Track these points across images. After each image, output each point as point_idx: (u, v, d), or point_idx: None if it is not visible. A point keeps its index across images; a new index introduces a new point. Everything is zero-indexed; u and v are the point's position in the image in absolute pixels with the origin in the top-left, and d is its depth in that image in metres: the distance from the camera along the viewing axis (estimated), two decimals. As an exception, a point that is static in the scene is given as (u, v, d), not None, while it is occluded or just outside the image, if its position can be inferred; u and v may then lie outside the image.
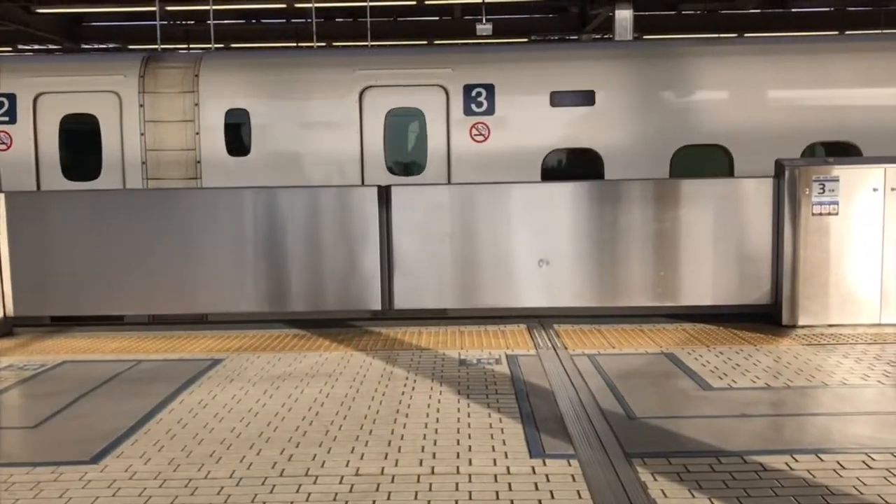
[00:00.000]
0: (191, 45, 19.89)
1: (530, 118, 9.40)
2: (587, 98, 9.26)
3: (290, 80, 9.72)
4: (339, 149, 9.36)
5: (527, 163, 9.16)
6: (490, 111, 9.26)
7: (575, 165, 9.48)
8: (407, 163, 9.59)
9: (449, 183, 9.03)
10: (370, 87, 9.37)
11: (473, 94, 9.27)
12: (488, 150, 9.27)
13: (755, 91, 9.43)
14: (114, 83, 9.49)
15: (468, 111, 9.29)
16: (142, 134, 9.38)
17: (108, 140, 9.44)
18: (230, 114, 9.45)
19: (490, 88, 9.26)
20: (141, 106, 9.40)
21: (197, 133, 9.36)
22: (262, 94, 9.57)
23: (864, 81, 9.43)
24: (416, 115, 9.44)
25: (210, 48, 14.75)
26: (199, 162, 9.33)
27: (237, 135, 9.45)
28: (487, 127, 9.23)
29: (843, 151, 9.11)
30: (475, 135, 9.23)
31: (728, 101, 9.47)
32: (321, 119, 9.54)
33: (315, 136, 9.45)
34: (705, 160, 9.31)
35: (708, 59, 9.74)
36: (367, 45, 15.70)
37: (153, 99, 9.40)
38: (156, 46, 14.14)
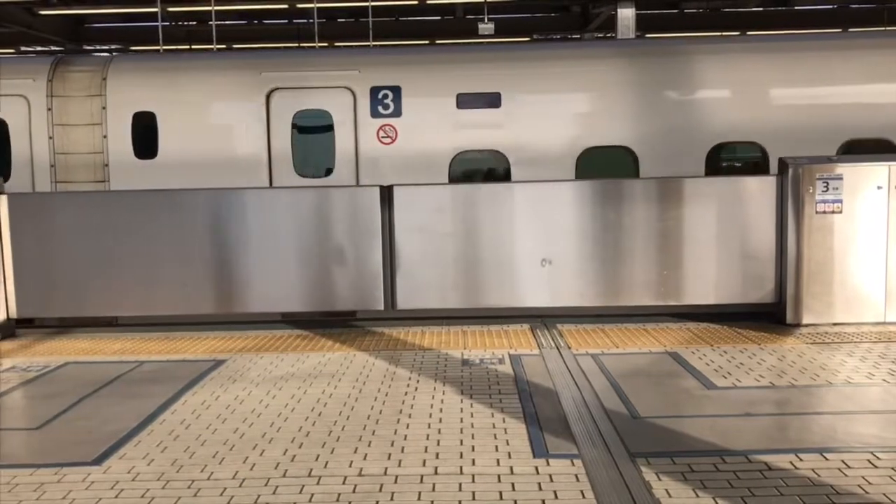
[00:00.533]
0: (193, 46, 19.91)
1: (437, 120, 9.47)
2: (493, 100, 9.32)
3: (196, 83, 9.77)
4: (247, 151, 9.42)
5: (434, 164, 9.23)
6: (397, 113, 9.32)
7: (482, 167, 9.55)
8: (315, 164, 9.61)
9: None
10: (277, 89, 9.42)
11: (380, 96, 9.33)
12: (396, 151, 9.34)
13: (659, 92, 9.47)
14: (22, 87, 9.56)
15: (375, 113, 9.34)
16: (50, 137, 9.46)
17: (16, 143, 9.50)
18: (137, 117, 9.51)
19: (396, 90, 9.33)
20: (49, 109, 9.48)
21: (105, 136, 9.44)
22: (168, 98, 9.61)
23: (770, 82, 9.44)
24: (323, 116, 9.48)
25: (212, 49, 14.76)
26: (106, 165, 9.42)
27: (144, 138, 9.49)
28: (394, 129, 9.29)
29: (749, 151, 9.20)
30: (382, 136, 9.29)
31: (633, 103, 9.48)
32: (228, 121, 9.58)
33: (222, 138, 9.49)
34: (611, 161, 9.38)
35: (612, 60, 9.80)
36: (368, 45, 15.71)
37: (61, 102, 9.48)
38: (158, 47, 14.16)
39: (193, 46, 19.88)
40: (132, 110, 9.51)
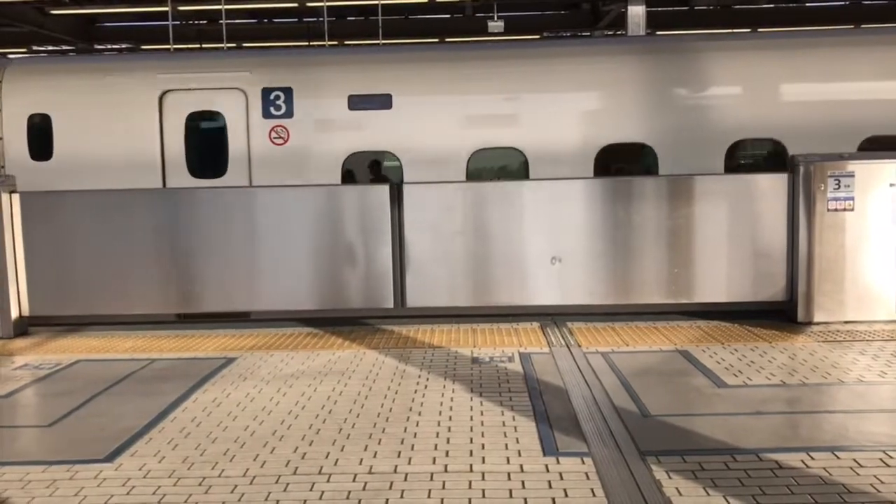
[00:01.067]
0: (203, 45, 19.98)
1: (329, 121, 9.54)
2: (384, 101, 9.37)
3: (91, 86, 9.85)
4: (141, 152, 9.48)
5: (327, 165, 9.28)
6: (289, 114, 9.37)
7: (374, 168, 9.58)
8: (208, 165, 9.62)
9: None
10: (170, 91, 9.51)
11: (272, 97, 9.38)
12: (288, 152, 9.38)
13: (549, 94, 9.48)
14: None
15: (267, 114, 9.39)
16: None
17: None
18: (33, 119, 9.62)
19: (288, 92, 9.38)
20: None
21: (0, 138, 9.57)
22: (63, 100, 9.71)
23: (656, 83, 9.43)
24: (216, 118, 9.56)
25: (223, 48, 14.80)
26: (2, 167, 9.55)
27: (40, 140, 9.59)
28: (286, 130, 9.33)
29: (637, 153, 9.29)
30: (275, 137, 9.33)
31: (523, 105, 9.52)
32: (122, 123, 9.62)
33: (116, 139, 9.54)
34: (502, 162, 9.46)
35: (501, 62, 9.82)
36: (378, 44, 15.72)
37: None
38: (168, 46, 14.22)
39: (204, 45, 19.96)
40: (27, 113, 9.65)
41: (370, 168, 9.59)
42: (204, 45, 19.96)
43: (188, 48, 17.06)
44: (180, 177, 9.43)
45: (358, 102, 9.36)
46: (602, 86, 9.53)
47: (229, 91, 9.46)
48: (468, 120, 9.47)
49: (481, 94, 9.54)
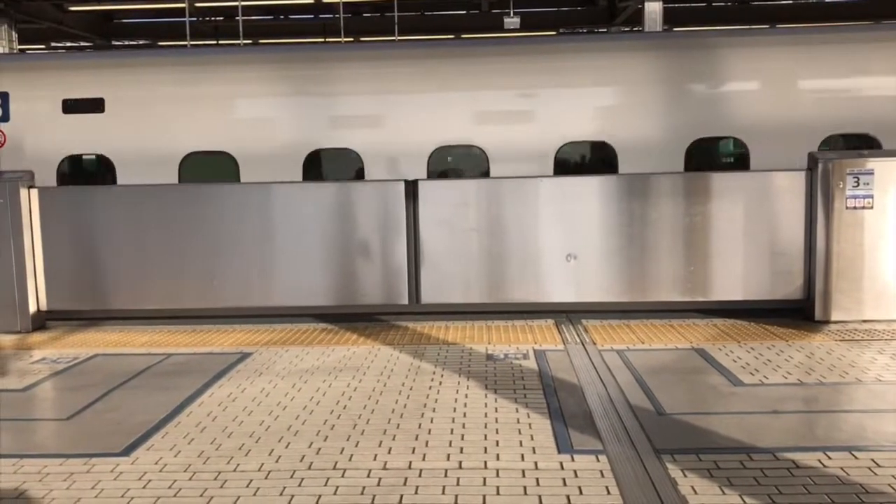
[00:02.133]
0: (220, 41, 20.06)
1: (43, 125, 9.65)
2: (96, 105, 9.48)
3: None
4: None
5: (42, 168, 9.28)
6: (5, 118, 9.55)
7: (89, 172, 9.67)
8: None
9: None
10: None
11: None
12: (4, 155, 9.50)
13: (259, 100, 9.57)
14: None
15: None
16: None
17: None
18: None
19: (4, 96, 9.56)
20: None
21: None
22: None
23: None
24: None
25: (238, 44, 14.86)
26: None
27: None
28: (3, 133, 9.51)
29: (347, 159, 9.32)
30: None
31: (232, 111, 9.58)
32: None
33: None
34: (212, 167, 9.54)
35: (208, 67, 9.88)
36: (394, 40, 15.72)
37: None
38: (185, 43, 14.29)
39: (220, 42, 20.04)
40: None
41: (86, 170, 9.69)
42: (221, 42, 20.04)
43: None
44: None
45: (71, 106, 9.53)
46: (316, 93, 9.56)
47: None
48: (179, 125, 9.54)
49: (192, 100, 9.60)
